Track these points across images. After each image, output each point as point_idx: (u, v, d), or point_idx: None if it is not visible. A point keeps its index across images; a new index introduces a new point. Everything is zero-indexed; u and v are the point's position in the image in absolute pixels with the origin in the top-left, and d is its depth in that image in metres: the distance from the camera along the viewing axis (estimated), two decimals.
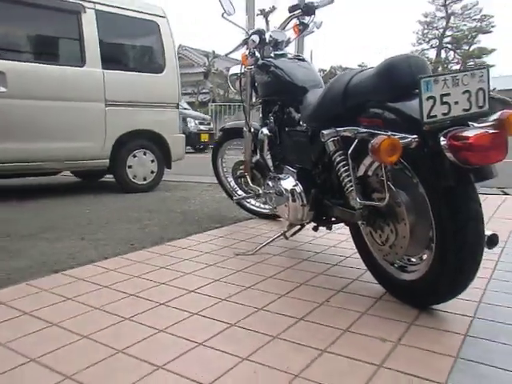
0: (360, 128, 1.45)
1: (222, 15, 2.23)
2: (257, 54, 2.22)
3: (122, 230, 2.67)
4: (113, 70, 4.06)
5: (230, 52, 2.30)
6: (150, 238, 2.48)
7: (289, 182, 1.97)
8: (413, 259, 1.53)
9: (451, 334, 1.29)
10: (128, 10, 4.18)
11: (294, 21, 2.45)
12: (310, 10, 2.38)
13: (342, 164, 1.55)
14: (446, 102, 1.18)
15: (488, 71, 1.23)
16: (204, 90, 29.13)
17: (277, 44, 2.30)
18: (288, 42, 2.36)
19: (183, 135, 4.68)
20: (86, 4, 3.91)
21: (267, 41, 2.28)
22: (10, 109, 3.51)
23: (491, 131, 1.14)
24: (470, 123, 1.22)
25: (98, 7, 3.98)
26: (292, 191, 1.92)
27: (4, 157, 3.55)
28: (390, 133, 1.25)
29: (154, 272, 1.88)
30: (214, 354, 1.20)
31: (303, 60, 2.23)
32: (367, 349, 1.21)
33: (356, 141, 1.45)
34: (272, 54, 2.25)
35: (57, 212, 3.32)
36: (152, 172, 4.47)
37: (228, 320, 1.40)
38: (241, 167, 2.73)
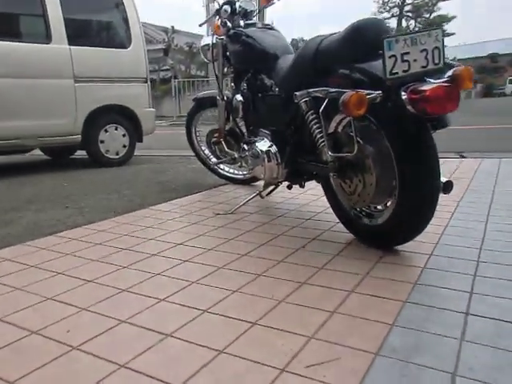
0: (330, 88, 1.60)
1: None
2: (228, 24, 2.32)
3: (103, 200, 2.76)
4: (79, 47, 4.04)
5: (203, 23, 2.38)
6: (132, 205, 2.59)
7: (264, 144, 2.11)
8: (378, 207, 1.72)
9: (412, 267, 1.50)
10: None
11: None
12: None
13: (313, 122, 1.71)
14: (406, 60, 1.35)
15: (442, 31, 1.41)
16: (165, 67, 28.60)
17: (246, 14, 2.41)
18: (257, 11, 2.47)
19: (153, 109, 4.72)
20: None
21: (237, 11, 2.38)
22: None
23: (445, 85, 1.32)
24: (427, 79, 1.40)
25: None
26: (267, 152, 2.07)
27: None
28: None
29: (141, 231, 2.01)
30: (208, 288, 1.36)
31: (272, 29, 2.35)
32: (340, 280, 1.40)
33: (326, 100, 1.60)
34: (242, 24, 2.36)
35: (35, 187, 3.35)
36: (124, 146, 4.51)
37: (216, 264, 1.55)
38: (215, 135, 2.85)
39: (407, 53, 1.35)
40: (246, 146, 2.32)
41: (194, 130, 3.12)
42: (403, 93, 1.35)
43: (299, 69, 1.79)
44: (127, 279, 1.44)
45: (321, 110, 1.62)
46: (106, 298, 1.31)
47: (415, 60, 1.36)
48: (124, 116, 4.46)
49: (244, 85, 2.35)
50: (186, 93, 16.12)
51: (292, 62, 1.85)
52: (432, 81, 1.38)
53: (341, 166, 1.67)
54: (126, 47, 4.41)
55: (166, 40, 28.34)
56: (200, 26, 2.50)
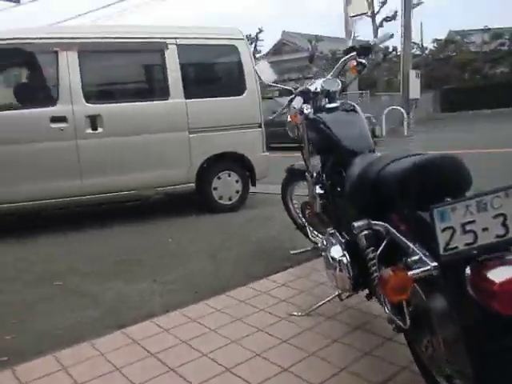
0: (390, 227, 1.33)
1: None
2: (305, 110, 2.14)
3: (195, 268, 2.84)
4: (195, 99, 4.24)
5: (278, 114, 2.21)
6: (216, 282, 2.59)
7: (337, 251, 1.88)
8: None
9: None
10: (207, 38, 4.31)
11: (352, 62, 2.31)
12: (366, 51, 2.21)
13: (371, 263, 1.44)
14: (470, 231, 1.02)
15: None
16: (309, 75, 28.85)
17: (329, 94, 2.19)
18: (345, 87, 2.24)
19: (267, 154, 4.71)
20: (168, 41, 4.12)
21: (319, 91, 2.18)
22: (106, 146, 3.90)
23: None
24: None
25: (179, 42, 4.17)
26: (339, 261, 1.84)
27: (102, 188, 3.96)
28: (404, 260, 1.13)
29: (202, 337, 1.97)
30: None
31: (354, 109, 2.09)
32: None
33: (385, 241, 1.33)
34: (326, 105, 2.16)
35: (141, 240, 3.61)
36: (237, 192, 4.60)
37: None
38: (308, 208, 2.69)
39: (472, 221, 1.02)
40: (325, 242, 2.10)
41: (290, 201, 3.01)
42: (468, 272, 1.03)
43: (357, 195, 1.54)
44: None
45: (378, 253, 1.36)
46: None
47: (485, 229, 1.02)
48: (237, 162, 4.55)
49: (323, 175, 2.14)
50: None
51: (350, 186, 1.60)
52: None
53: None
54: (240, 94, 4.48)
55: (310, 48, 28.70)
56: (272, 119, 2.34)
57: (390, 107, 14.09)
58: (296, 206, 3.04)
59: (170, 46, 4.12)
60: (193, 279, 2.67)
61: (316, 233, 2.75)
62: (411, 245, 1.19)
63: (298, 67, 28.60)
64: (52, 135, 3.71)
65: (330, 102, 2.17)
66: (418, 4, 20.38)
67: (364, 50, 2.21)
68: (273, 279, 2.61)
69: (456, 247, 1.02)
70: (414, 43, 25.56)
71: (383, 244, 1.33)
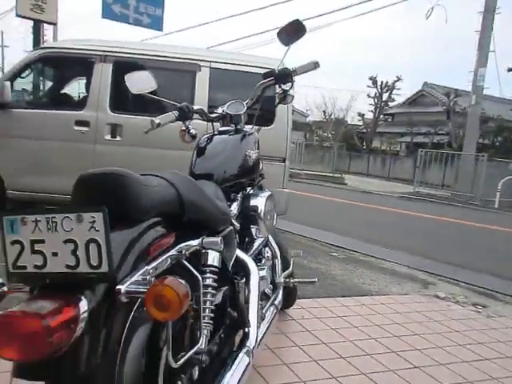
0: None
1: None
2: (192, 131, 2.01)
3: None
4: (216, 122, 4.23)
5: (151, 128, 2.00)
6: None
7: None
8: None
9: None
10: (241, 65, 4.30)
11: (279, 89, 2.10)
12: (285, 78, 1.99)
13: None
14: (39, 251, 0.80)
15: (105, 216, 0.77)
16: (441, 132, 26.92)
17: (233, 118, 2.02)
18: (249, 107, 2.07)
19: (287, 190, 4.46)
20: (201, 63, 4.22)
21: (223, 114, 2.04)
22: (121, 154, 4.09)
23: None
24: None
25: (213, 65, 4.25)
26: None
27: None
28: None
29: None
30: None
31: (244, 135, 1.89)
32: None
33: None
34: (219, 129, 2.03)
35: None
36: None
37: None
38: None
39: (41, 241, 0.80)
40: None
41: None
42: None
43: None
44: None
45: None
46: None
47: (55, 254, 0.80)
48: None
49: None
50: (432, 164, 14.72)
51: None
52: None
53: None
54: (267, 125, 4.34)
55: (448, 103, 26.83)
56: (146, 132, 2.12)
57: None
58: None
59: (202, 69, 4.23)
60: None
61: None
62: None
63: (431, 121, 27.04)
64: (74, 136, 4.03)
65: (235, 125, 2.06)
66: None
67: (282, 76, 2.00)
68: None
69: (25, 266, 0.82)
70: None
71: None
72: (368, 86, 30.16)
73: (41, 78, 4.93)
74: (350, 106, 31.49)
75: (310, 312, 2.57)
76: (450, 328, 2.56)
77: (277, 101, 2.17)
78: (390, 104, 31.50)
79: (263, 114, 4.33)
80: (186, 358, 0.98)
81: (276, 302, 1.87)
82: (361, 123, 31.50)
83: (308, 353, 2.06)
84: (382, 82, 30.07)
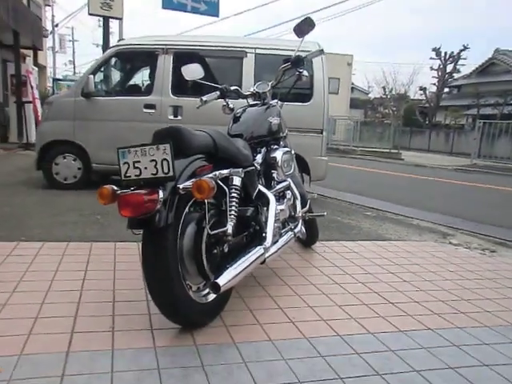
0: None
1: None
2: (230, 105, 2.64)
3: None
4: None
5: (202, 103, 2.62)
6: None
7: None
8: None
9: None
10: (283, 49, 4.89)
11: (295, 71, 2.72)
12: (299, 63, 2.61)
13: None
14: (137, 167, 1.53)
15: (171, 146, 1.48)
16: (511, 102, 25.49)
17: (261, 95, 2.65)
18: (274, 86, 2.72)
19: (325, 158, 5.04)
20: (247, 50, 4.89)
21: (253, 92, 2.67)
22: None
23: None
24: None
25: (258, 51, 4.90)
26: None
27: None
28: None
29: None
30: None
31: (268, 107, 2.53)
32: None
33: None
34: (250, 103, 2.66)
35: None
36: None
37: None
38: None
39: (138, 161, 1.53)
40: None
41: None
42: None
43: None
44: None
45: None
46: None
47: (146, 168, 1.52)
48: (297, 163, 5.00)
49: None
50: (497, 136, 14.28)
51: None
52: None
53: None
54: (306, 101, 4.94)
55: None
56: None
57: None
58: None
59: (248, 55, 4.89)
60: None
61: None
62: None
63: (501, 91, 25.68)
64: (143, 117, 4.89)
65: (261, 101, 2.68)
66: None
67: (297, 62, 2.63)
68: None
69: (130, 176, 1.55)
70: None
71: None
72: (431, 58, 29.06)
73: (115, 70, 5.87)
74: (412, 80, 30.67)
75: (332, 249, 3.20)
76: (448, 261, 3.07)
77: (295, 79, 2.74)
78: (456, 76, 30.20)
79: (301, 92, 4.96)
80: (217, 231, 1.70)
81: (295, 230, 2.53)
82: (423, 98, 30.53)
83: (331, 277, 2.70)
84: (445, 53, 28.81)
